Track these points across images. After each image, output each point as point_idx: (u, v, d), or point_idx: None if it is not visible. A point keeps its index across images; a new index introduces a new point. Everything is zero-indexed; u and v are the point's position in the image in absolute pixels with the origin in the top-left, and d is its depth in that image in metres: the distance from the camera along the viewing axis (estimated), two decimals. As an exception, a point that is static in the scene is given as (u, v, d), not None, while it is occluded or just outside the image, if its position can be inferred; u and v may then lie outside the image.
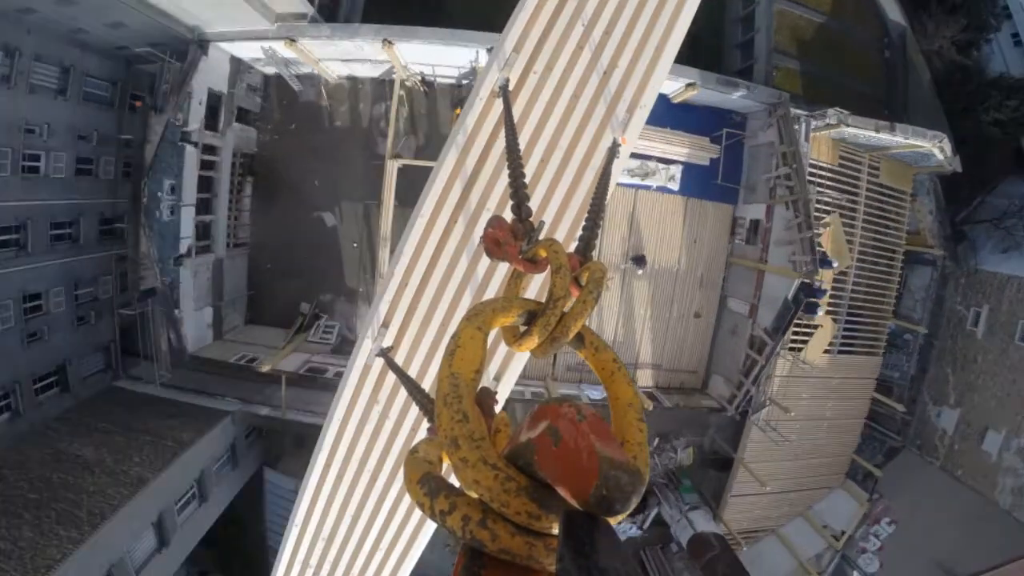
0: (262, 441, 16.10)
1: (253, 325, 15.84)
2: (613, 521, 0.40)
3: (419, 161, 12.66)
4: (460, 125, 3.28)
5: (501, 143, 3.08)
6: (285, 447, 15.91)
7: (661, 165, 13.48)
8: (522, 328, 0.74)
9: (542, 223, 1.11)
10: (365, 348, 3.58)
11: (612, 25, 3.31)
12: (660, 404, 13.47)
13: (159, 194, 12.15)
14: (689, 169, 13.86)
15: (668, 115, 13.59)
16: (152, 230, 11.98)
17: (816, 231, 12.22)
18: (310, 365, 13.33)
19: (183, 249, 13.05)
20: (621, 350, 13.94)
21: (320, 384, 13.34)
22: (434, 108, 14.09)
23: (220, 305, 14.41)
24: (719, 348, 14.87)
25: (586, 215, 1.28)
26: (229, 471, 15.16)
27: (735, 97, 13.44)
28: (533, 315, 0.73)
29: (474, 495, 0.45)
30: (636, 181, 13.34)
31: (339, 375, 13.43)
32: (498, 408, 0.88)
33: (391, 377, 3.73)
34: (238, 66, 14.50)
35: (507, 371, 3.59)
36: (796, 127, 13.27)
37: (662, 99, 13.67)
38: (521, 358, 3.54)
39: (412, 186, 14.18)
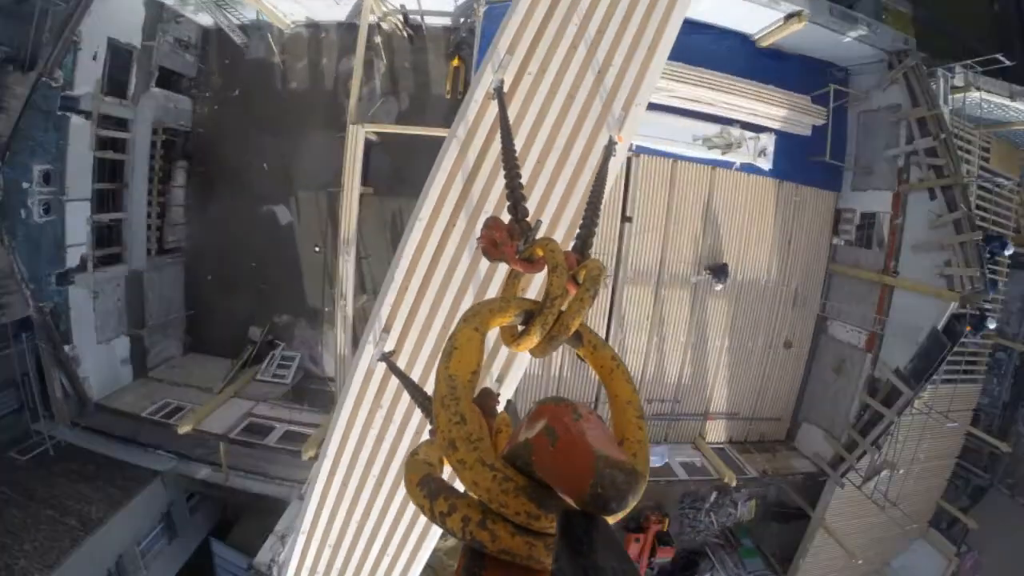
0: (210, 504, 12.21)
1: (196, 354, 11.91)
2: (612, 520, 0.39)
3: (399, 128, 8.51)
4: (455, 128, 3.09)
5: (499, 144, 2.85)
6: (241, 511, 12.00)
7: (748, 134, 9.25)
8: (520, 328, 0.69)
9: (539, 222, 1.16)
10: (367, 353, 3.28)
11: (605, 23, 3.09)
12: (743, 473, 9.45)
13: (25, 185, 8.06)
14: (784, 140, 9.62)
15: (750, 64, 9.32)
16: (15, 236, 7.92)
17: (983, 229, 8.05)
18: (251, 420, 9.38)
19: (73, 261, 8.99)
20: (687, 396, 9.89)
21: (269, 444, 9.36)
22: (422, 60, 9.88)
23: (141, 333, 10.40)
24: (814, 389, 10.80)
25: (584, 213, 1.20)
26: (164, 545, 11.33)
27: (849, 39, 9.17)
28: (531, 315, 0.69)
29: (474, 496, 0.42)
30: (714, 156, 9.16)
31: (289, 436, 9.61)
32: (500, 408, 0.80)
33: (395, 381, 3.40)
34: (159, 12, 10.33)
35: (510, 372, 3.23)
36: (933, 85, 9.01)
37: (744, 42, 9.40)
38: (523, 359, 3.22)
39: (395, 164, 10.00)
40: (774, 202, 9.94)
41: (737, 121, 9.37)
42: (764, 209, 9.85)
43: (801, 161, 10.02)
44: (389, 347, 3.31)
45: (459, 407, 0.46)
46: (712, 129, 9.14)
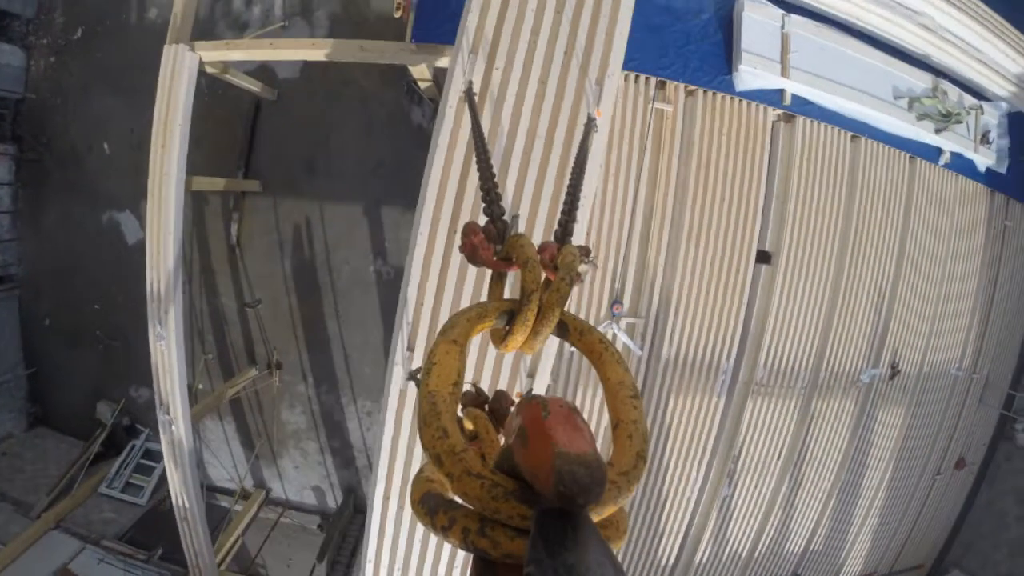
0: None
1: (45, 430, 6.94)
2: (602, 515, 0.36)
3: (302, 49, 3.22)
4: (436, 136, 2.69)
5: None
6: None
7: (968, 99, 3.98)
8: (505, 329, 0.59)
9: (515, 218, 1.03)
10: (397, 374, 2.84)
11: (561, 3, 2.64)
12: None
13: None
14: (1010, 120, 4.35)
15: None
16: None
17: None
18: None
19: None
20: (813, 568, 4.78)
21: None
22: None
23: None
24: (979, 524, 5.72)
25: (564, 198, 0.95)
26: None
27: None
28: (513, 314, 0.58)
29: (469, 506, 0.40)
30: (922, 134, 3.94)
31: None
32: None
33: None
34: None
35: (540, 364, 2.75)
36: None
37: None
38: (551, 349, 2.82)
39: (302, 140, 4.79)
40: (983, 228, 4.70)
41: (947, 75, 4.08)
42: (971, 240, 4.64)
43: (1015, 159, 4.74)
44: (415, 365, 2.81)
45: (440, 422, 0.39)
46: (921, 81, 3.87)
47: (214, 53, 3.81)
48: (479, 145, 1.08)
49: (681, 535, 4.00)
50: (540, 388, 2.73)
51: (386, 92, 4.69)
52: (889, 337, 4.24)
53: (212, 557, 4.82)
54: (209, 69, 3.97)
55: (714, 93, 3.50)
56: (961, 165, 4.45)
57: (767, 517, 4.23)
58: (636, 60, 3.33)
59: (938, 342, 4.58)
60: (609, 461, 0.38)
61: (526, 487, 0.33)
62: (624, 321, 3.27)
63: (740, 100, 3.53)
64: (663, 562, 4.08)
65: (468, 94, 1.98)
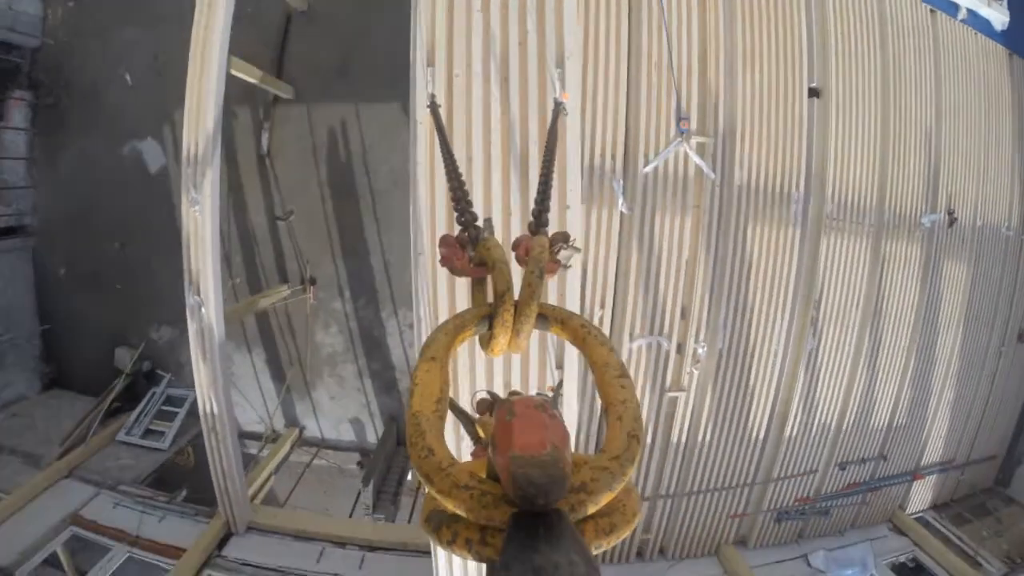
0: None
1: (59, 391, 6.43)
2: (589, 510, 0.35)
3: None
4: (414, 154, 2.61)
5: (466, 148, 2.53)
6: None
7: None
8: (489, 334, 0.57)
9: (488, 221, 0.90)
10: None
11: None
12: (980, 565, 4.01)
13: None
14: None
15: None
16: None
17: None
18: (74, 533, 3.89)
19: None
20: (898, 446, 4.49)
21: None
22: None
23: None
24: None
25: (538, 186, 0.89)
26: None
27: None
28: (492, 318, 0.56)
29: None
30: None
31: (131, 572, 3.52)
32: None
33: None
34: None
35: (566, 354, 2.61)
36: None
37: None
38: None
39: (335, 48, 4.67)
40: (1009, 88, 4.65)
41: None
42: (999, 97, 4.59)
43: (1017, 16, 4.75)
44: None
45: (425, 441, 0.39)
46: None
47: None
48: (445, 155, 1.06)
49: (771, 400, 3.61)
50: (570, 379, 2.52)
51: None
52: (941, 183, 4.06)
53: (244, 482, 4.24)
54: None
55: (748, -74, 3.46)
56: (977, 23, 4.42)
57: (852, 380, 3.86)
58: None
59: (986, 196, 4.40)
60: (603, 447, 0.37)
61: None
62: (694, 140, 3.07)
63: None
64: (754, 436, 3.66)
65: (432, 107, 1.92)
